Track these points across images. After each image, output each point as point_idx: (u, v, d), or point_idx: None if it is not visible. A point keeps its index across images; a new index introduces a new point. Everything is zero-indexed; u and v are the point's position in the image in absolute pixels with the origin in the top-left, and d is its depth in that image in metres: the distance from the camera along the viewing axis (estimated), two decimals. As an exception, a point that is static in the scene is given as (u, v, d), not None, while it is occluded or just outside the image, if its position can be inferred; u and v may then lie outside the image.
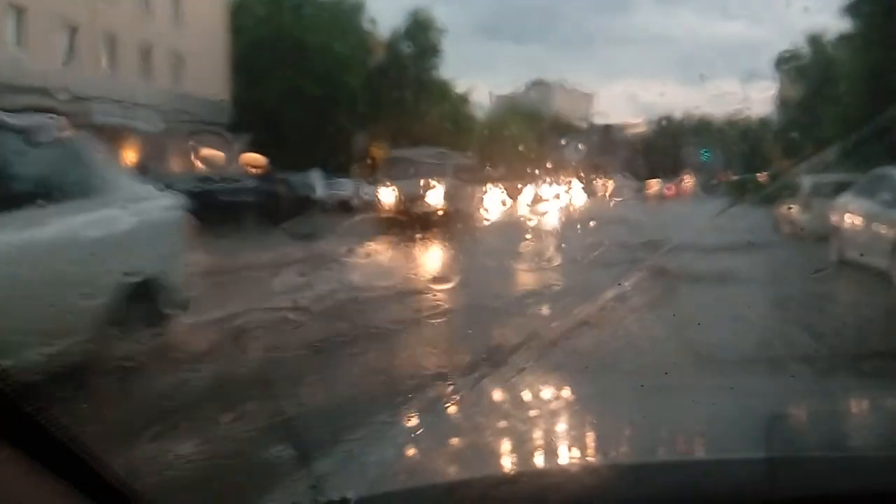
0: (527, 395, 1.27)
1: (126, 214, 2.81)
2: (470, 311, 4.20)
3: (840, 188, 6.66)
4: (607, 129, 26.08)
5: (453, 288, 5.11)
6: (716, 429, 0.97)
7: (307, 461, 1.14)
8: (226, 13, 17.91)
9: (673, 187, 20.67)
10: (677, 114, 27.09)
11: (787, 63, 19.66)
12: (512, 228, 10.83)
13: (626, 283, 3.56)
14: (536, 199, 14.43)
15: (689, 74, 42.07)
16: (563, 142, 18.37)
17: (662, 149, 24.36)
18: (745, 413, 1.04)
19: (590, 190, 17.21)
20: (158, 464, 1.76)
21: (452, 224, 9.74)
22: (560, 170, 15.30)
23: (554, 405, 1.22)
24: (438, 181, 10.41)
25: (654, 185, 20.81)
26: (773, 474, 0.77)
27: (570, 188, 15.83)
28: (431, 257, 7.26)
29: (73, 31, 14.03)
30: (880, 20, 13.93)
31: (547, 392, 1.31)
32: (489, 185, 15.44)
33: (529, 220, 12.35)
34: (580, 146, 17.12)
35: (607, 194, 17.53)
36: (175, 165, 14.52)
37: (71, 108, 12.48)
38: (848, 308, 4.28)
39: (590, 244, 6.88)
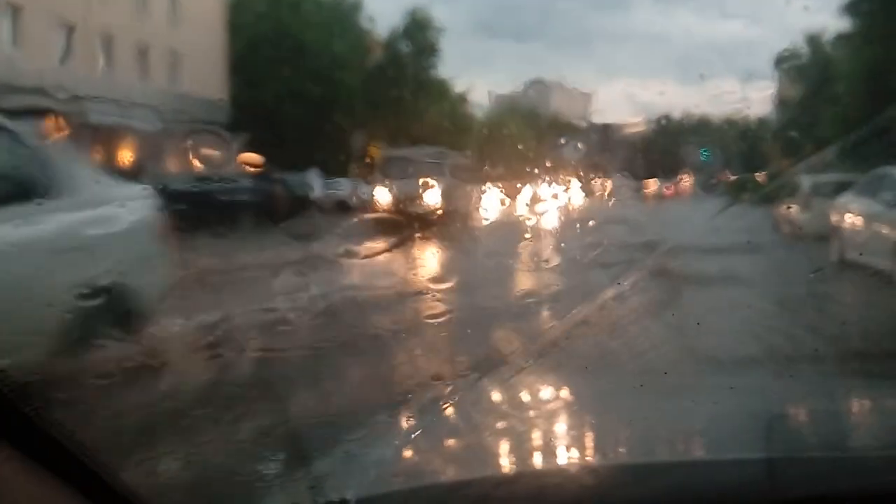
0: (526, 396, 1.27)
1: (89, 216, 2.65)
2: (468, 311, 4.20)
3: (840, 188, 6.64)
4: (606, 128, 26.09)
5: (451, 288, 5.11)
6: (716, 429, 0.97)
7: (306, 462, 1.13)
8: (223, 12, 17.85)
9: (672, 187, 20.67)
10: (676, 113, 27.14)
11: (785, 62, 19.70)
12: (511, 228, 10.82)
13: (626, 283, 3.56)
14: (535, 199, 14.43)
15: (687, 74, 42.13)
16: (562, 141, 18.35)
17: (661, 148, 24.37)
18: (745, 413, 1.04)
19: (588, 189, 17.21)
20: (157, 466, 1.76)
21: (450, 224, 9.71)
22: (559, 169, 15.28)
23: (553, 405, 1.22)
24: (436, 180, 10.34)
25: (653, 184, 20.81)
26: (773, 474, 0.77)
27: (568, 188, 15.83)
28: (429, 258, 7.24)
29: (70, 30, 13.99)
30: (880, 19, 13.94)
31: (546, 392, 1.31)
32: (488, 185, 15.42)
33: (528, 219, 12.34)
34: (579, 145, 17.10)
35: (606, 194, 17.52)
36: (172, 165, 14.47)
37: (67, 107, 12.46)
38: (848, 308, 4.28)
39: (589, 244, 6.88)
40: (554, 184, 15.22)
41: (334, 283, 4.92)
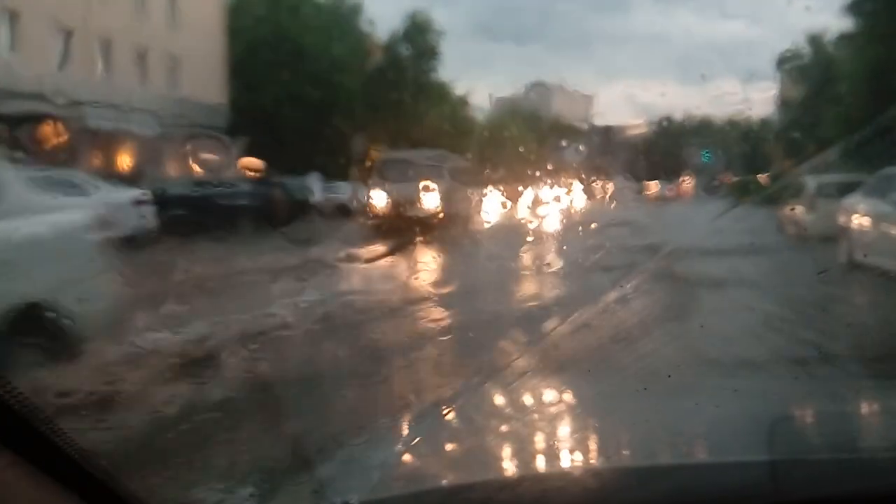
0: (528, 399, 1.27)
1: (7, 228, 2.34)
2: (470, 315, 4.20)
3: (846, 188, 6.55)
4: (607, 130, 26.11)
5: (453, 292, 5.11)
6: (719, 431, 0.97)
7: (309, 466, 1.13)
8: (222, 15, 17.84)
9: (674, 188, 20.64)
10: (677, 115, 27.13)
11: (787, 63, 19.67)
12: (512, 231, 10.80)
13: (628, 286, 3.55)
14: (536, 202, 14.42)
15: (688, 75, 42.15)
16: (563, 143, 18.39)
17: (663, 150, 24.36)
18: (748, 415, 1.04)
19: (590, 192, 17.21)
20: (160, 471, 1.76)
21: (451, 227, 9.57)
22: (560, 172, 15.28)
23: (556, 408, 1.22)
24: (436, 183, 10.12)
25: (655, 186, 20.79)
26: (776, 477, 0.77)
27: (570, 190, 15.82)
28: (430, 262, 7.21)
29: (68, 35, 13.96)
30: (882, 18, 13.91)
31: (548, 395, 1.30)
32: (489, 188, 15.41)
33: (530, 222, 12.34)
34: (581, 147, 17.13)
35: (608, 196, 17.51)
36: (172, 169, 14.51)
37: (66, 112, 12.52)
38: (855, 309, 4.25)
39: (591, 247, 6.87)
40: (555, 186, 15.22)
41: (333, 288, 4.92)
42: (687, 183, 20.75)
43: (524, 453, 0.98)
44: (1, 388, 0.58)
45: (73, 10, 13.71)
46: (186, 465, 1.83)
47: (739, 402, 1.11)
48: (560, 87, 29.71)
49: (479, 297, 4.82)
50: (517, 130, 21.36)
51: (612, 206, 15.78)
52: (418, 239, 8.27)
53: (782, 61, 19.78)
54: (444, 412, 1.36)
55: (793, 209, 8.17)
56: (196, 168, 13.95)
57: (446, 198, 10.16)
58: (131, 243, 7.65)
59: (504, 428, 1.11)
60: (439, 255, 7.67)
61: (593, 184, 17.78)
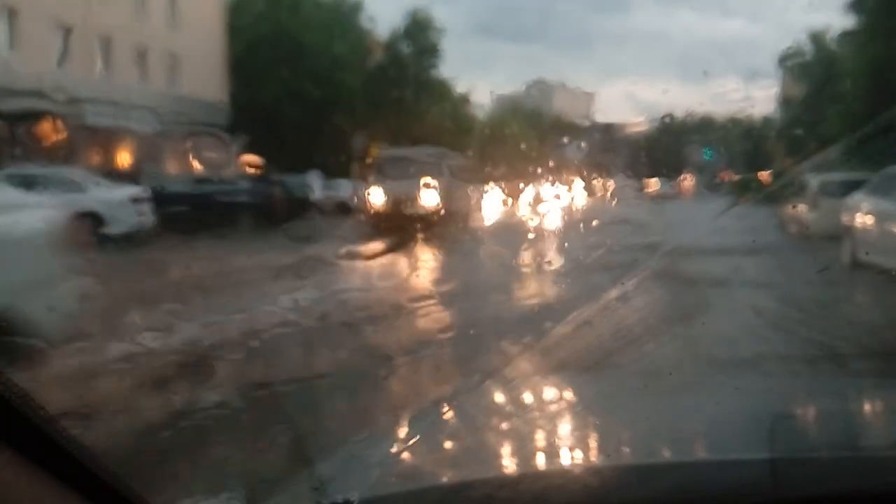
0: (528, 397, 1.27)
1: None
2: (470, 312, 4.20)
3: (849, 187, 6.46)
4: (608, 128, 26.05)
5: (453, 290, 5.10)
6: (719, 429, 0.97)
7: (309, 463, 1.14)
8: (222, 13, 17.78)
9: (676, 186, 20.59)
10: (679, 112, 27.05)
11: (789, 60, 19.60)
12: (513, 229, 10.79)
13: (629, 284, 3.55)
14: (537, 199, 14.41)
15: (689, 73, 42.08)
16: (564, 140, 18.34)
17: (665, 148, 24.30)
18: (748, 413, 1.04)
19: (591, 190, 17.18)
20: (160, 468, 1.76)
21: (451, 225, 9.50)
22: (561, 169, 15.25)
23: (556, 406, 1.22)
24: (436, 181, 9.98)
25: (657, 184, 20.74)
26: (776, 475, 0.77)
27: (571, 188, 15.80)
28: (430, 260, 7.18)
29: (68, 32, 13.90)
30: (884, 15, 13.83)
31: (549, 393, 1.30)
32: (490, 185, 15.35)
33: (531, 220, 12.32)
34: (582, 145, 17.08)
35: (609, 194, 17.48)
36: (171, 167, 14.51)
37: (65, 109, 12.50)
38: (855, 308, 4.24)
39: (592, 244, 6.86)
40: (556, 184, 15.19)
41: (330, 286, 4.92)
42: (688, 181, 20.71)
43: (524, 451, 0.98)
44: (1, 385, 0.58)
45: (72, 7, 13.69)
46: (185, 464, 1.84)
47: (740, 400, 1.11)
48: (561, 84, 29.73)
49: (479, 295, 4.82)
50: (518, 128, 21.33)
51: (613, 203, 15.75)
52: (417, 237, 8.19)
53: (784, 59, 19.74)
54: (444, 410, 1.37)
55: (794, 207, 8.11)
56: (196, 165, 13.94)
57: (446, 195, 10.05)
58: (129, 241, 7.67)
59: (504, 425, 1.11)
60: (438, 253, 7.61)
61: (594, 181, 17.76)
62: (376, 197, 10.14)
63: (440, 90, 20.74)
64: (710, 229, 6.54)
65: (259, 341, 3.22)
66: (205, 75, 16.79)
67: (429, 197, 9.80)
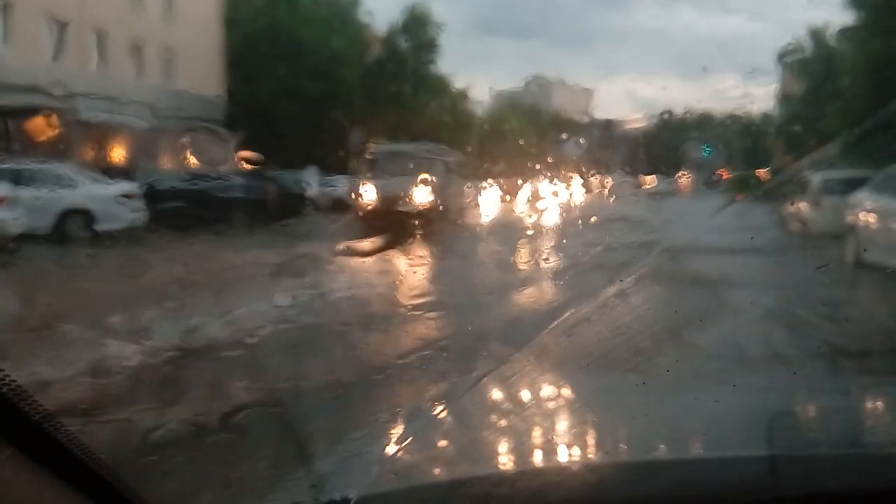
0: (527, 394, 1.27)
1: None
2: (468, 309, 4.19)
3: (851, 184, 6.38)
4: (607, 124, 25.99)
5: (449, 288, 5.09)
6: (718, 426, 0.97)
7: (308, 461, 1.14)
8: (220, 7, 17.64)
9: (674, 183, 20.59)
10: (678, 109, 26.99)
11: (788, 57, 19.54)
12: (510, 226, 10.75)
13: (627, 281, 3.55)
14: (536, 196, 14.40)
15: (689, 69, 42.03)
16: (563, 136, 18.30)
17: (663, 144, 24.27)
18: (747, 411, 1.04)
19: (589, 186, 17.17)
20: (159, 464, 1.76)
21: (444, 222, 9.33)
22: (560, 165, 15.22)
23: (555, 403, 1.22)
24: (429, 177, 9.77)
25: (654, 181, 20.74)
26: (775, 471, 0.78)
27: (569, 184, 15.78)
28: (422, 257, 7.09)
29: (62, 26, 13.81)
30: (884, 12, 13.80)
31: (547, 390, 1.30)
32: (488, 181, 15.29)
33: (529, 216, 12.31)
34: (581, 141, 17.04)
35: (607, 190, 17.48)
36: (167, 162, 14.43)
37: (59, 104, 12.39)
38: (857, 306, 4.23)
39: (590, 241, 6.86)
40: (554, 180, 15.17)
41: (315, 288, 4.88)
42: (687, 177, 20.71)
43: (522, 448, 0.97)
44: (2, 383, 0.58)
45: (67, 1, 13.57)
46: (185, 463, 1.83)
47: (738, 398, 1.11)
48: (560, 81, 29.65)
49: (479, 291, 4.81)
50: (517, 124, 21.26)
51: (611, 200, 15.75)
52: (410, 235, 7.98)
53: (783, 55, 19.67)
54: (442, 407, 1.36)
55: (793, 204, 8.09)
56: (193, 161, 13.86)
57: (441, 192, 9.86)
58: (120, 237, 7.63)
59: (502, 423, 1.11)
60: (432, 252, 7.45)
61: (593, 178, 17.74)
62: (368, 194, 9.91)
63: (438, 86, 20.66)
64: (708, 227, 6.53)
65: (250, 339, 3.20)
66: (202, 70, 16.68)
67: (422, 193, 9.60)
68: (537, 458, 0.95)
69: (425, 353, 3.26)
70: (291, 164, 13.67)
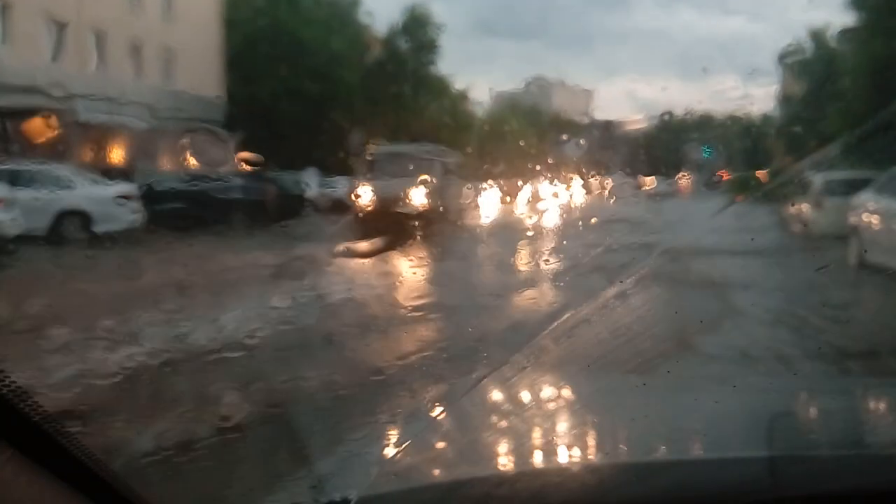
0: (527, 395, 1.27)
1: None
2: (469, 310, 4.19)
3: (853, 186, 6.34)
4: (607, 125, 26.02)
5: (449, 287, 5.08)
6: (718, 427, 0.97)
7: (308, 461, 1.14)
8: (219, 7, 17.62)
9: (674, 184, 20.61)
10: (678, 110, 27.03)
11: (789, 58, 19.56)
12: (510, 227, 10.74)
13: (628, 282, 3.55)
14: (535, 197, 14.41)
15: (689, 71, 42.09)
16: (563, 137, 18.31)
17: (664, 145, 24.28)
18: (747, 412, 1.04)
19: (590, 187, 17.18)
20: (159, 465, 1.76)
21: (442, 224, 9.25)
22: (560, 167, 15.23)
23: (554, 404, 1.22)
24: (427, 178, 9.69)
25: (656, 182, 20.75)
26: (774, 473, 0.78)
27: (569, 186, 15.79)
28: (419, 260, 7.06)
29: (61, 27, 13.79)
30: (885, 13, 13.81)
31: (547, 391, 1.30)
32: (488, 182, 15.27)
33: (529, 217, 12.30)
34: (581, 142, 17.06)
35: (607, 192, 17.49)
36: (167, 164, 14.42)
37: (58, 105, 12.39)
38: (858, 306, 4.22)
39: (590, 242, 6.85)
40: (554, 181, 15.17)
41: (308, 292, 4.88)
42: (687, 178, 20.72)
43: (522, 449, 0.97)
44: (2, 384, 0.58)
45: (66, 1, 13.57)
46: (185, 464, 1.84)
47: (739, 399, 1.11)
48: (560, 82, 29.70)
49: (479, 291, 4.80)
50: (516, 125, 21.27)
51: (612, 201, 15.74)
52: (407, 237, 7.90)
53: (783, 56, 19.69)
54: (442, 409, 1.36)
55: (793, 205, 8.08)
56: (193, 162, 13.86)
57: (440, 193, 9.80)
58: (117, 239, 7.61)
59: (502, 424, 1.11)
60: (429, 254, 7.38)
61: (593, 179, 17.75)
62: (365, 195, 9.82)
63: (438, 87, 20.69)
64: (709, 228, 6.52)
65: (235, 347, 3.18)
66: (201, 70, 16.69)
67: (421, 195, 9.53)
68: (537, 459, 0.95)
69: (425, 354, 3.26)
70: (291, 165, 13.67)
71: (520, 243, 7.73)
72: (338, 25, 18.86)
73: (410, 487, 0.87)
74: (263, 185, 11.13)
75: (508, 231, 10.20)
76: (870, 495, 0.74)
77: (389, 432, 1.29)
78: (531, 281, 5.62)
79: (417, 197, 9.53)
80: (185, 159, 14.19)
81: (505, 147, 17.94)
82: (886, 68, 12.47)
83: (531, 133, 20.21)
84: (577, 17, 39.78)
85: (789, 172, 10.93)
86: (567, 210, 13.21)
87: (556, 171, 15.26)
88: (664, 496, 0.77)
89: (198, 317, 3.72)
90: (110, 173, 10.82)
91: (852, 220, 5.97)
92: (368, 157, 10.79)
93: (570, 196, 15.44)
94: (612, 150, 23.08)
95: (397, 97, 18.54)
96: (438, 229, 8.96)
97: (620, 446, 0.98)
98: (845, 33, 16.95)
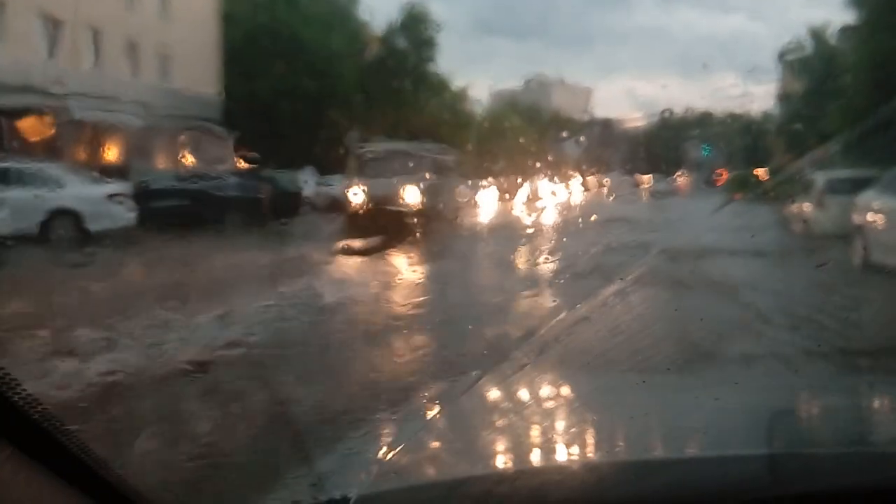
0: (527, 393, 1.27)
1: None
2: (469, 308, 4.19)
3: (857, 184, 6.25)
4: (607, 123, 26.00)
5: (447, 285, 5.07)
6: (718, 425, 0.96)
7: (308, 459, 1.14)
8: (216, 5, 17.42)
9: (674, 183, 20.59)
10: (678, 109, 27.02)
11: (789, 55, 19.51)
12: (508, 226, 10.69)
13: (626, 280, 3.55)
14: (534, 196, 14.40)
15: (689, 69, 42.09)
16: (563, 134, 18.30)
17: (663, 143, 24.27)
18: (747, 409, 1.04)
19: (589, 186, 17.19)
20: (160, 463, 1.76)
21: (437, 223, 9.13)
22: (559, 164, 15.22)
23: (554, 402, 1.22)
24: (423, 176, 9.55)
25: (655, 180, 20.74)
26: (774, 470, 0.77)
27: (568, 184, 15.78)
28: (410, 260, 7.01)
29: (56, 25, 13.68)
30: (885, 10, 13.77)
31: (547, 389, 1.30)
32: (484, 180, 15.23)
33: (529, 214, 12.28)
34: (581, 139, 17.06)
35: (607, 190, 17.49)
36: (165, 162, 14.34)
37: (53, 104, 12.28)
38: (858, 305, 4.21)
39: (590, 240, 6.84)
40: (552, 179, 15.15)
41: (318, 286, 4.86)
42: (687, 176, 20.71)
43: (522, 447, 0.97)
44: (1, 381, 0.58)
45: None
46: (185, 461, 1.84)
47: (739, 396, 1.11)
48: (560, 80, 29.66)
49: (480, 289, 4.80)
50: (516, 122, 21.24)
51: (611, 199, 15.72)
52: (400, 236, 7.71)
53: (784, 54, 19.65)
54: (443, 406, 1.36)
55: (793, 202, 8.01)
56: (191, 160, 13.80)
57: (438, 190, 9.69)
58: (107, 238, 7.53)
59: (502, 422, 1.11)
60: (429, 250, 7.32)
61: (592, 177, 17.75)
62: (357, 194, 9.63)
63: (437, 85, 20.64)
64: (708, 226, 6.50)
65: (233, 346, 3.15)
66: (198, 68, 16.56)
67: (418, 193, 9.37)
68: (537, 457, 0.95)
69: (423, 352, 3.26)
70: (290, 163, 13.60)
71: (518, 240, 7.70)
72: (337, 23, 18.80)
73: (410, 485, 0.87)
74: (259, 183, 11.03)
75: (507, 229, 10.16)
76: (870, 493, 0.74)
77: (389, 430, 1.28)
78: (529, 278, 5.61)
79: (413, 195, 9.38)
80: (183, 157, 14.14)
81: (504, 145, 17.93)
82: (887, 65, 12.43)
83: (530, 131, 20.20)
84: (577, 16, 39.79)
85: (789, 170, 10.88)
86: (566, 208, 13.18)
87: (556, 169, 15.25)
88: (664, 494, 0.77)
89: (193, 315, 3.71)
90: (106, 171, 10.74)
91: (856, 219, 5.89)
92: (367, 155, 10.67)
93: (570, 194, 15.42)
94: (611, 148, 23.07)
95: (396, 95, 18.50)
96: (435, 228, 8.85)
97: (620, 444, 0.98)
98: (845, 30, 16.93)
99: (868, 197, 5.96)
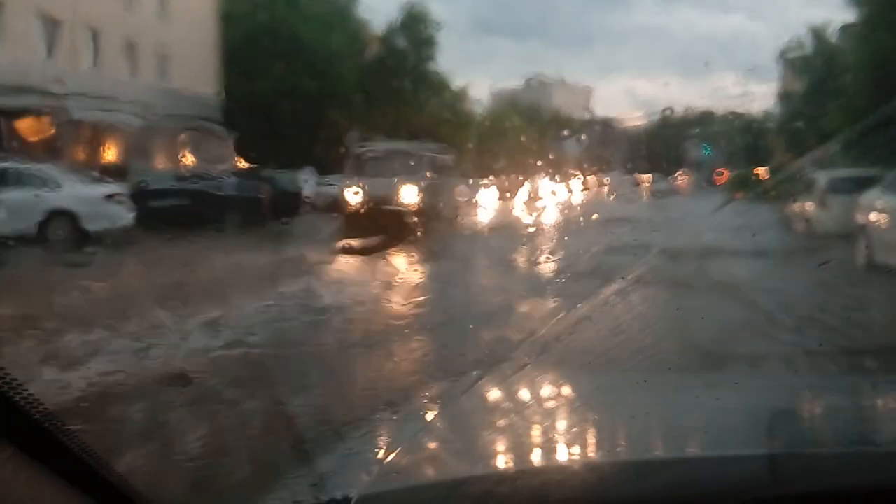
0: (528, 393, 1.27)
1: None
2: (469, 308, 4.18)
3: (859, 184, 6.23)
4: (607, 122, 26.00)
5: (447, 284, 5.07)
6: (718, 425, 0.96)
7: (309, 459, 1.13)
8: (215, 4, 17.38)
9: (674, 182, 20.59)
10: (678, 108, 27.02)
11: (789, 54, 19.50)
12: (507, 226, 10.70)
13: (629, 279, 3.55)
14: (534, 194, 14.40)
15: (689, 69, 42.13)
16: (564, 133, 18.29)
17: (663, 143, 24.27)
18: (748, 409, 1.04)
19: (589, 185, 17.19)
20: (160, 463, 1.76)
21: (434, 223, 9.08)
22: (559, 164, 15.23)
23: (555, 402, 1.22)
24: (421, 176, 9.52)
25: (656, 179, 20.74)
26: (775, 470, 0.77)
27: (569, 183, 15.79)
28: (421, 255, 7.00)
29: (55, 25, 13.67)
30: (885, 8, 13.76)
31: (548, 389, 1.30)
32: (484, 180, 15.23)
33: (529, 214, 12.29)
34: (582, 137, 17.06)
35: (607, 189, 17.50)
36: (165, 162, 14.33)
37: (52, 104, 12.27)
38: (860, 304, 4.20)
39: (590, 240, 6.85)
40: (552, 179, 15.16)
41: (317, 286, 4.85)
42: (687, 176, 20.71)
43: (523, 447, 0.97)
44: (2, 382, 0.58)
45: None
46: (185, 461, 1.84)
47: (739, 396, 1.11)
48: (560, 79, 29.70)
49: (480, 289, 4.79)
50: (515, 122, 21.25)
51: (612, 198, 15.71)
52: (406, 234, 7.73)
53: (784, 53, 19.64)
54: (444, 405, 1.36)
55: (795, 201, 8.01)
56: (191, 160, 13.78)
57: (435, 191, 9.64)
58: (103, 239, 7.51)
59: (503, 422, 1.11)
60: (429, 250, 7.30)
61: (592, 177, 17.76)
62: (353, 194, 9.56)
63: (437, 85, 20.64)
64: (709, 226, 6.49)
65: (232, 345, 3.14)
66: (197, 68, 16.55)
67: (413, 193, 9.32)
68: (538, 457, 0.95)
69: (423, 352, 3.25)
70: (290, 163, 13.59)
71: (519, 239, 7.69)
72: (336, 22, 18.80)
73: (411, 485, 0.86)
74: (258, 183, 11.00)
75: (507, 229, 10.15)
76: (870, 493, 0.74)
77: (390, 430, 1.28)
78: (529, 278, 5.61)
79: (412, 195, 9.33)
80: (182, 157, 14.12)
81: (504, 144, 17.94)
82: (887, 64, 12.41)
83: (530, 130, 20.21)
84: (577, 16, 39.81)
85: (790, 169, 10.87)
86: (566, 207, 13.17)
87: (556, 169, 15.25)
88: (664, 494, 0.77)
89: (190, 316, 3.71)
90: (106, 171, 10.73)
91: (859, 218, 5.85)
92: (365, 155, 10.60)
93: (570, 194, 15.43)
94: (611, 147, 23.07)
95: (396, 94, 18.50)
96: (435, 227, 8.83)
97: (621, 444, 0.98)
98: (846, 29, 16.91)
99: (872, 196, 5.94)
